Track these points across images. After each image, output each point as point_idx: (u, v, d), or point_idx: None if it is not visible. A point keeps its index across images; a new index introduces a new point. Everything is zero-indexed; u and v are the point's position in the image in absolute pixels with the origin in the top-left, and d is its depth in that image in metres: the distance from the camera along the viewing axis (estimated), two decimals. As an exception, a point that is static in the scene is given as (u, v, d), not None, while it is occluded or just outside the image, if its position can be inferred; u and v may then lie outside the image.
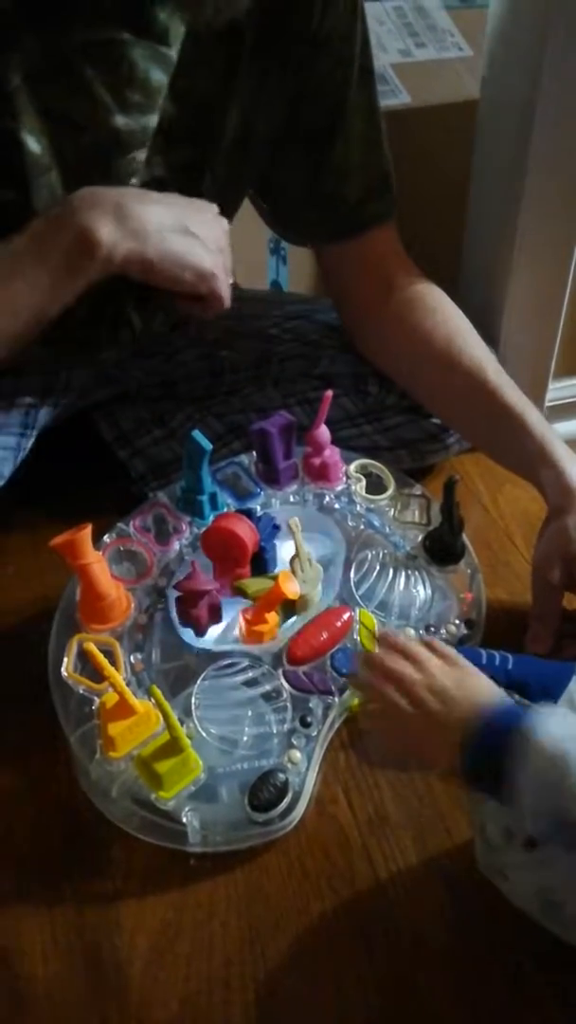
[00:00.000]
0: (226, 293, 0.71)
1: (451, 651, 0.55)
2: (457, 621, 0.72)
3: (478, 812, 0.55)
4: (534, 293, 0.95)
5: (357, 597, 0.71)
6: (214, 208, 0.71)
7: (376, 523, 0.76)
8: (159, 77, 0.66)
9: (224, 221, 0.73)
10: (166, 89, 0.67)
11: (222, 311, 0.72)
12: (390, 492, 0.78)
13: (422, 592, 0.73)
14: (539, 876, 0.52)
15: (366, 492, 0.77)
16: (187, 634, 0.67)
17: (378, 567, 0.74)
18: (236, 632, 0.68)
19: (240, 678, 0.66)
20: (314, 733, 0.64)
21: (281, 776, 0.61)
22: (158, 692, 0.58)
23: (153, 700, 0.59)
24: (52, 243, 0.63)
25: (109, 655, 0.62)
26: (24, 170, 0.63)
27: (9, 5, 0.59)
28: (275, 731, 0.63)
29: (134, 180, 0.69)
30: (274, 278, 1.19)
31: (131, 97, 0.65)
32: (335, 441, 0.77)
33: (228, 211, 0.81)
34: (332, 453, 0.76)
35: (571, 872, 0.50)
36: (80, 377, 0.85)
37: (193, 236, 0.67)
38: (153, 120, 0.67)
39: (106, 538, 0.71)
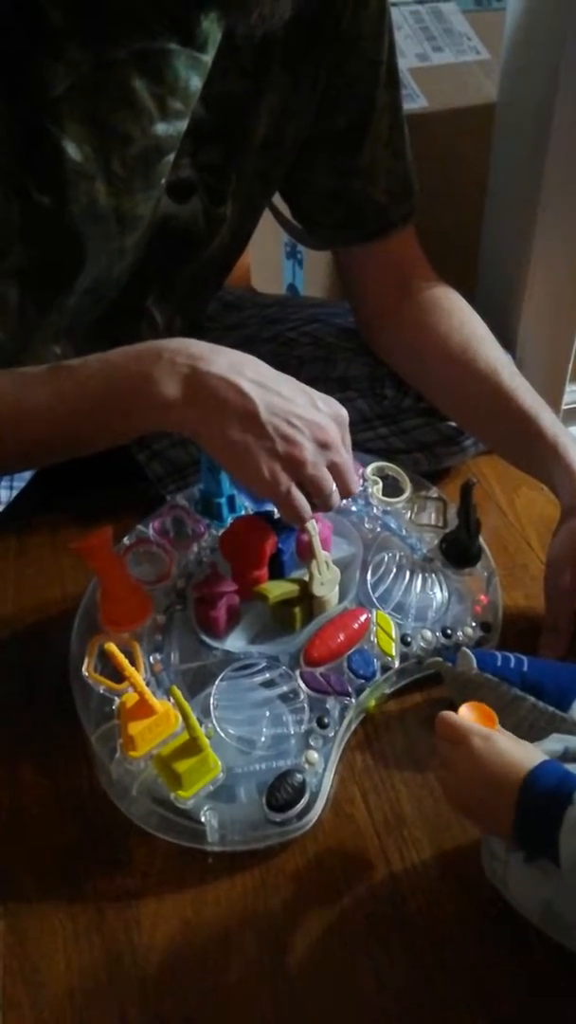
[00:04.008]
0: (296, 508, 0.61)
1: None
2: (473, 624, 0.73)
3: None
4: (551, 296, 0.95)
5: (374, 599, 0.72)
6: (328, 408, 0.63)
7: (393, 525, 0.77)
8: (196, 84, 0.66)
9: (333, 424, 0.62)
10: (199, 93, 0.67)
11: (301, 523, 0.63)
12: (407, 495, 0.78)
13: (439, 595, 0.74)
14: (540, 887, 0.53)
15: (383, 495, 0.78)
16: (205, 635, 0.68)
17: (395, 569, 0.74)
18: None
19: (258, 679, 0.66)
20: (331, 734, 0.64)
21: (298, 776, 0.61)
22: (178, 692, 0.59)
23: (173, 700, 0.60)
24: (124, 369, 0.61)
25: (129, 655, 0.62)
26: (63, 176, 0.64)
27: (58, 16, 0.59)
28: (292, 732, 0.64)
29: (162, 181, 0.69)
30: (290, 281, 1.20)
31: (172, 105, 0.65)
32: (352, 444, 0.77)
33: (253, 215, 0.82)
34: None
35: (571, 885, 0.51)
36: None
37: (260, 437, 0.59)
38: (185, 124, 0.68)
39: (126, 540, 0.71)
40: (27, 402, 0.62)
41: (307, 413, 0.61)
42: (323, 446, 0.62)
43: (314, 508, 0.63)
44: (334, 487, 0.63)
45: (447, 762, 0.54)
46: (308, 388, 0.64)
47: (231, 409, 0.59)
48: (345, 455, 0.64)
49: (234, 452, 0.60)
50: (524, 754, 0.51)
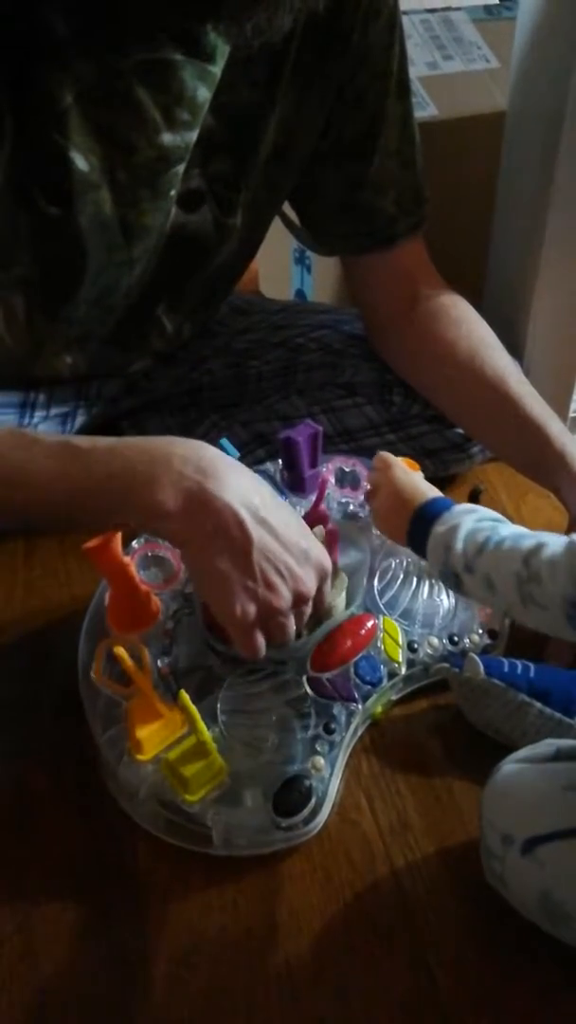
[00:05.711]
0: (254, 647, 0.60)
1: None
2: (480, 631, 0.73)
3: (481, 821, 0.56)
4: (559, 304, 0.96)
5: (381, 605, 0.72)
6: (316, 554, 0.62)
7: (400, 532, 0.77)
8: (205, 95, 0.66)
9: (315, 575, 0.61)
10: (208, 104, 0.67)
11: (253, 659, 0.62)
12: (414, 501, 0.78)
13: (445, 601, 0.74)
14: (537, 878, 0.53)
15: (390, 501, 0.78)
16: (213, 640, 0.68)
17: (402, 576, 0.74)
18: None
19: (265, 684, 0.66)
20: (337, 740, 0.64)
21: (305, 782, 0.61)
22: (186, 696, 0.59)
23: (180, 704, 0.60)
24: (130, 466, 0.59)
25: (137, 659, 0.63)
26: (70, 187, 0.64)
27: (63, 27, 0.59)
28: (299, 737, 0.64)
29: (172, 192, 0.70)
30: (298, 287, 1.20)
31: (179, 115, 0.66)
32: (359, 450, 0.77)
33: (263, 224, 0.82)
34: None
35: (569, 869, 0.52)
36: (110, 387, 0.87)
37: (245, 577, 0.57)
38: (195, 135, 0.68)
39: (135, 544, 0.72)
40: (29, 470, 0.60)
41: (296, 565, 0.60)
42: (299, 599, 0.61)
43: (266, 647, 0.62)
44: (292, 634, 0.62)
45: (376, 486, 0.69)
46: (306, 531, 0.62)
47: (227, 540, 0.58)
48: (309, 609, 0.63)
49: (214, 580, 0.58)
50: (429, 488, 0.66)
